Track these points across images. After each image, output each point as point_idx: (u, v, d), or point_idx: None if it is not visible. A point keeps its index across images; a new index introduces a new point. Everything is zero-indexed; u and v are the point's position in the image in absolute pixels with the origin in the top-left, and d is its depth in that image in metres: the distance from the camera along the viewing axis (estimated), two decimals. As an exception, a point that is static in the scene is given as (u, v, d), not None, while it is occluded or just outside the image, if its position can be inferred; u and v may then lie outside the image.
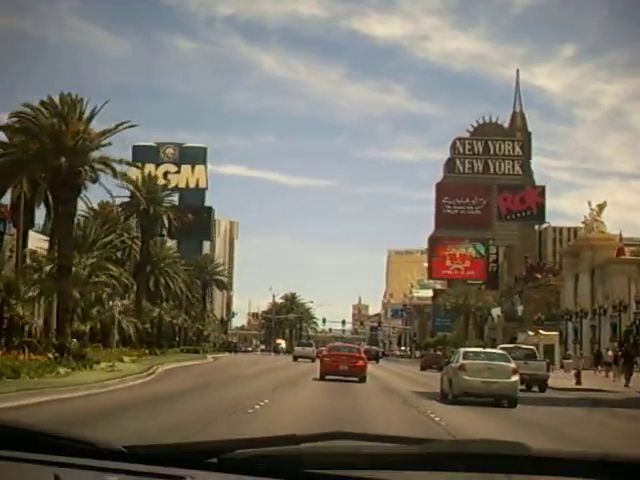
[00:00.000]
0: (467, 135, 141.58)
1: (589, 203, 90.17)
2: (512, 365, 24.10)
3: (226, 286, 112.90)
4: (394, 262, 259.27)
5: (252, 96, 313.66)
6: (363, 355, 37.50)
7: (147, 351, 56.41)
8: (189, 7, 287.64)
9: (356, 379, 33.28)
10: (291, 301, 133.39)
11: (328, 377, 33.52)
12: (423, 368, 64.06)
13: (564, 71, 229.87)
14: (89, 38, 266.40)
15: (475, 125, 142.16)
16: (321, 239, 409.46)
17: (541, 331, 67.82)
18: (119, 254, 70.52)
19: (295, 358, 67.23)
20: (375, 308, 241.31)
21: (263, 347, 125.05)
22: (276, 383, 30.51)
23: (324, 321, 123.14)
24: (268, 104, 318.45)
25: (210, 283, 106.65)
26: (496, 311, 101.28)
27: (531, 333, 65.89)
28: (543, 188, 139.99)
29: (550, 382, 37.35)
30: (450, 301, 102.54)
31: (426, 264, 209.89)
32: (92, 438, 2.20)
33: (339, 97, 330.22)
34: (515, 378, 23.71)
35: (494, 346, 45.05)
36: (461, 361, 23.76)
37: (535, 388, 35.28)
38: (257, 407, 18.91)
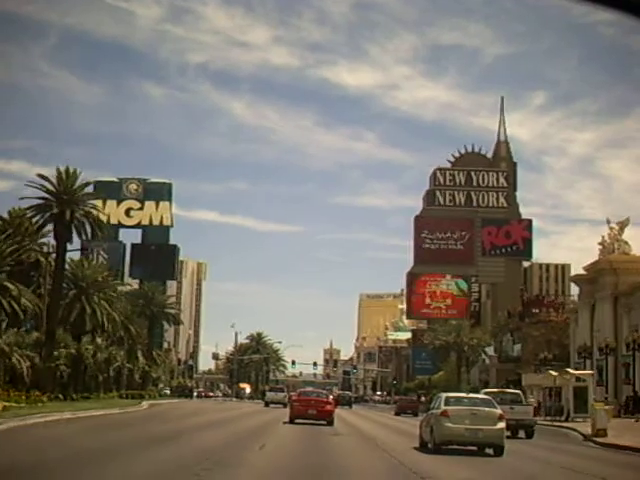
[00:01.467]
0: (448, 165, 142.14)
1: (608, 221, 79.62)
2: (498, 411, 23.94)
3: (177, 320, 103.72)
4: (366, 306, 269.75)
5: (224, 142, 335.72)
6: (331, 400, 41.66)
7: (60, 395, 50.65)
8: (160, 55, 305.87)
9: (324, 422, 37.21)
10: (257, 341, 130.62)
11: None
12: (397, 413, 67.94)
13: (534, 119, 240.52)
14: (60, 84, 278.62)
15: (457, 155, 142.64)
16: (292, 285, 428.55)
17: (570, 370, 61.41)
18: (33, 272, 61.48)
19: (267, 404, 70.85)
20: (347, 352, 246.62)
21: (224, 392, 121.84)
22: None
23: (293, 363, 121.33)
24: (240, 150, 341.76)
25: (158, 317, 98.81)
26: (488, 350, 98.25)
27: (553, 373, 58.12)
28: (530, 222, 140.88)
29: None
30: (439, 338, 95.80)
31: (401, 306, 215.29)
32: None
33: (310, 144, 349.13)
34: (502, 425, 23.51)
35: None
36: (443, 407, 23.48)
37: (521, 434, 35.48)
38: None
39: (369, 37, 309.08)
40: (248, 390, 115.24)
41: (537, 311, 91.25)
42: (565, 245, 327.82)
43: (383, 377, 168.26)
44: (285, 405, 64.28)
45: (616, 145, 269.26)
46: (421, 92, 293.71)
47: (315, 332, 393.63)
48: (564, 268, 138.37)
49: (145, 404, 60.59)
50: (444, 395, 25.47)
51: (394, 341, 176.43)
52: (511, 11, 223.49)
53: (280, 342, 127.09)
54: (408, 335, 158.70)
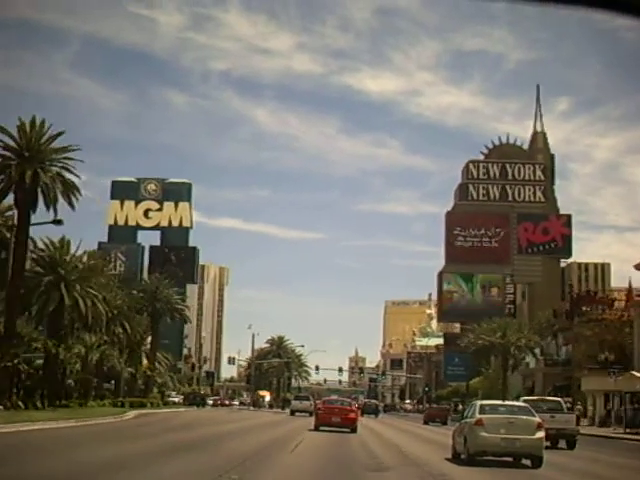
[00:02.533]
0: (481, 157, 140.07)
1: None
2: (536, 419, 23.52)
3: (185, 318, 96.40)
4: (391, 313, 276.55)
5: (246, 149, 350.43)
6: (355, 408, 45.63)
7: (20, 403, 44.52)
8: (183, 62, 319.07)
9: (348, 430, 40.00)
10: (278, 345, 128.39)
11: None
12: (426, 422, 69.79)
13: (558, 125, 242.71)
14: (83, 92, 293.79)
15: (490, 146, 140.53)
16: (315, 292, 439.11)
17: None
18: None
19: (292, 412, 72.47)
20: (372, 360, 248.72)
21: (243, 400, 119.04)
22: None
23: (317, 369, 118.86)
24: (262, 158, 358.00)
25: (162, 314, 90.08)
26: (537, 352, 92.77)
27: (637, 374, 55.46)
28: (569, 217, 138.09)
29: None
30: (482, 338, 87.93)
31: (429, 311, 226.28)
32: None
33: (333, 151, 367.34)
34: (540, 434, 23.08)
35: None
36: (477, 415, 23.11)
37: (562, 444, 35.13)
38: None
39: (392, 44, 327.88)
40: (268, 398, 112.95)
41: (587, 309, 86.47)
42: (591, 252, 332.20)
43: (412, 384, 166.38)
44: (311, 414, 64.32)
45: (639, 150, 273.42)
46: (444, 98, 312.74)
47: (339, 340, 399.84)
48: (604, 268, 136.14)
49: (132, 414, 53.62)
50: (478, 403, 25.28)
51: (421, 347, 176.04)
52: (533, 17, 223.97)
53: (302, 346, 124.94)
54: (437, 341, 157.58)
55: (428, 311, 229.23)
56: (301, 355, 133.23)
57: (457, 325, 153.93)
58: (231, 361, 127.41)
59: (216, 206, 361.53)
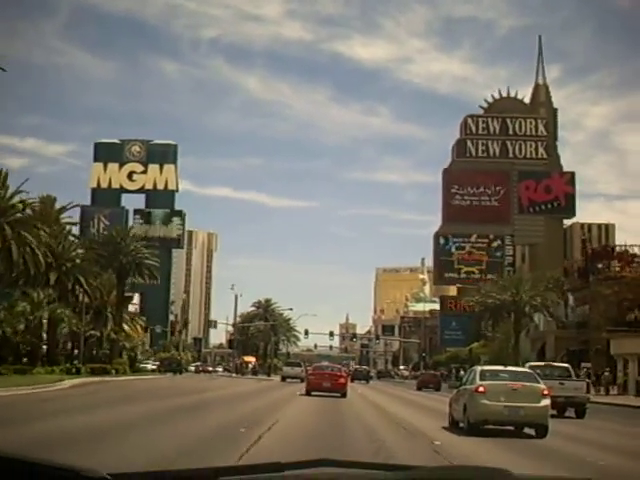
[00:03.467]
0: (480, 112, 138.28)
1: None
2: (542, 386, 23.04)
3: (154, 275, 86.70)
4: (383, 280, 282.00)
5: (237, 118, 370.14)
6: (344, 374, 47.64)
7: None
8: (173, 29, 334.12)
9: (338, 394, 42.03)
10: (265, 308, 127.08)
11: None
12: (419, 388, 71.95)
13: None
14: (74, 60, 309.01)
15: (490, 100, 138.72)
16: (307, 260, 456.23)
17: None
18: None
19: (283, 378, 74.74)
20: (364, 326, 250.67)
21: (225, 366, 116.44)
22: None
23: (306, 333, 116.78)
24: (253, 126, 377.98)
25: (130, 269, 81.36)
26: (538, 315, 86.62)
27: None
28: (572, 175, 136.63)
29: None
30: (491, 296, 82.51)
31: (422, 276, 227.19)
32: (74, 465, 2.23)
33: (324, 119, 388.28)
34: (546, 402, 22.67)
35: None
36: (478, 382, 22.54)
37: (569, 413, 34.40)
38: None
39: (382, 10, 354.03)
40: (253, 363, 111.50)
41: (604, 267, 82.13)
42: (580, 221, 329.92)
43: (406, 350, 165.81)
44: (302, 380, 67.49)
45: (632, 119, 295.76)
46: (435, 65, 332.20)
47: (330, 306, 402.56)
48: (608, 228, 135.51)
49: (72, 382, 47.78)
50: (479, 368, 24.74)
51: (415, 312, 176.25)
52: None
53: (291, 309, 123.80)
54: (430, 306, 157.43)
55: (421, 276, 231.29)
56: (289, 319, 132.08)
57: (453, 288, 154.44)
58: (212, 324, 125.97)
59: (207, 175, 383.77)
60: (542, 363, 43.26)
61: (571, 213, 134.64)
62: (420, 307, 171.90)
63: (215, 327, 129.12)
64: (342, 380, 44.61)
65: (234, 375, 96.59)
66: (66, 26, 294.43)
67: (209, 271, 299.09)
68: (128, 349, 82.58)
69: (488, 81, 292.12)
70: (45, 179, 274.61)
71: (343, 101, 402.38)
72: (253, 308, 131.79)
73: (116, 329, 78.48)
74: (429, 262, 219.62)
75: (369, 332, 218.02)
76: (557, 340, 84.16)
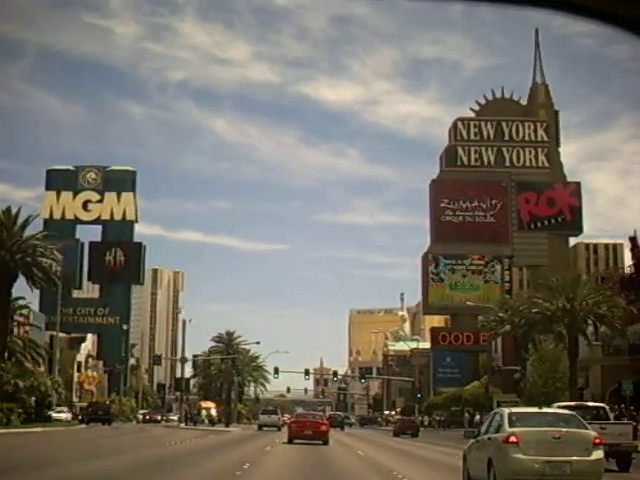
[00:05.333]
0: (471, 115, 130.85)
1: None
2: (592, 433, 20.20)
3: (51, 280, 70.18)
4: (357, 322, 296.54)
5: (206, 161, 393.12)
6: (325, 422, 49.84)
7: None
8: (140, 72, 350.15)
9: (320, 442, 45.05)
10: (227, 343, 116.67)
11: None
12: (396, 434, 74.99)
13: None
14: (40, 104, 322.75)
15: (482, 102, 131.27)
16: (277, 304, 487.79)
17: None
18: None
19: (260, 427, 76.67)
20: (340, 370, 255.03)
21: (188, 414, 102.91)
22: None
23: (277, 372, 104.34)
24: (222, 169, 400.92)
25: (12, 270, 65.13)
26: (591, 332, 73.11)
27: None
28: (578, 185, 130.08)
29: None
30: (539, 305, 67.61)
31: (402, 312, 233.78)
32: None
33: (292, 161, 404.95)
34: (598, 454, 19.57)
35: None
36: (508, 429, 19.60)
37: (609, 464, 28.28)
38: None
39: (349, 52, 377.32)
40: (214, 411, 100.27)
41: None
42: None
43: (391, 392, 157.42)
44: (279, 428, 74.18)
45: (599, 158, 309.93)
46: (402, 107, 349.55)
47: (303, 350, 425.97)
48: (616, 248, 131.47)
49: None
50: (506, 411, 21.43)
51: (395, 352, 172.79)
52: (490, 23, 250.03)
53: (258, 343, 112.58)
54: (412, 344, 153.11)
55: (400, 313, 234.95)
56: (257, 357, 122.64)
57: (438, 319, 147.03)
58: (156, 361, 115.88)
59: (177, 219, 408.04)
60: (572, 403, 38.39)
61: (578, 229, 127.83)
62: (400, 346, 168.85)
63: (159, 364, 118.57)
64: (324, 428, 47.33)
65: (182, 425, 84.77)
66: (32, 69, 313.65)
67: (175, 313, 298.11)
68: (24, 389, 67.31)
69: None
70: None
71: (311, 143, 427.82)
72: (213, 343, 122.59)
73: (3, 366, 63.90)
74: (408, 298, 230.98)
75: (344, 376, 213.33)
76: (605, 370, 71.94)
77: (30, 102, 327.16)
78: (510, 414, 20.73)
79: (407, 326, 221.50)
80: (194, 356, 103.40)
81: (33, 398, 68.36)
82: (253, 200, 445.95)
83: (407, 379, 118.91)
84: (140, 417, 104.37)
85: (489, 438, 20.54)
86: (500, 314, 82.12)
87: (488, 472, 19.75)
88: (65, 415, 79.94)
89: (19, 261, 65.61)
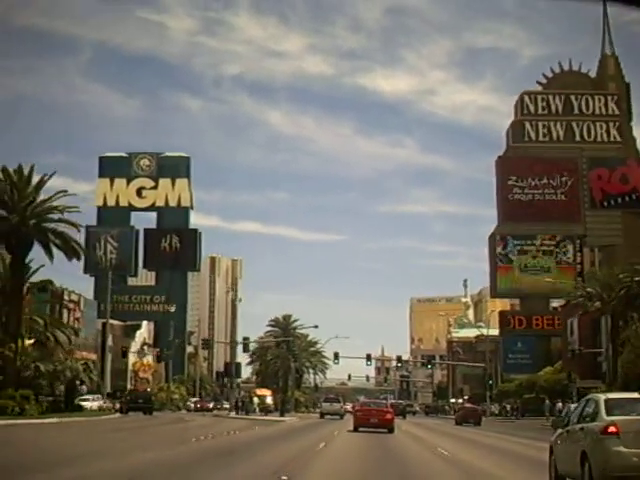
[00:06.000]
0: (539, 89, 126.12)
1: None
2: None
3: (72, 249, 59.72)
4: (417, 311, 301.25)
5: (262, 153, 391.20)
6: (390, 410, 50.69)
7: None
8: (195, 67, 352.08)
9: (385, 430, 45.58)
10: (284, 329, 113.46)
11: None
12: (458, 423, 75.18)
13: None
14: (96, 99, 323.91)
15: (549, 76, 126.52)
16: (338, 294, 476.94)
17: None
18: None
19: (322, 415, 78.90)
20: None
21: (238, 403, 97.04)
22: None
23: (337, 357, 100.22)
24: (279, 160, 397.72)
25: (30, 239, 58.26)
26: None
27: None
28: None
29: None
30: None
31: (465, 299, 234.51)
32: None
33: (350, 152, 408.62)
34: None
35: None
36: (606, 418, 17.47)
37: None
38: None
39: (404, 43, 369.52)
40: (269, 399, 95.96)
41: None
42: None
43: (460, 378, 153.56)
44: (342, 416, 76.81)
45: None
46: (458, 97, 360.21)
47: (363, 340, 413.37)
48: None
49: None
50: (602, 397, 19.31)
51: (459, 339, 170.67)
52: (545, 12, 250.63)
53: (316, 327, 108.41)
54: (476, 331, 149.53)
55: (464, 299, 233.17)
56: (316, 343, 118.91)
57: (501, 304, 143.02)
58: (205, 345, 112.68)
59: (235, 210, 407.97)
60: None
61: None
62: (465, 332, 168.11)
63: (208, 348, 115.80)
64: (389, 416, 48.24)
65: (231, 414, 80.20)
66: (89, 65, 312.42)
67: (234, 302, 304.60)
68: (46, 375, 59.92)
69: (511, 110, 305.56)
70: (76, 217, 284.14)
71: (368, 134, 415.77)
72: (269, 328, 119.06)
73: (10, 345, 56.18)
74: (470, 286, 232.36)
75: (408, 360, 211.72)
76: None
77: (87, 97, 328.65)
78: (607, 400, 18.90)
79: (471, 313, 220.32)
80: (244, 339, 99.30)
81: (61, 385, 63.81)
82: (311, 191, 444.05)
83: (477, 364, 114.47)
84: (192, 406, 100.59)
85: (582, 428, 18.70)
86: (589, 289, 76.42)
87: (582, 467, 17.94)
88: (96, 404, 75.08)
89: (33, 227, 58.36)
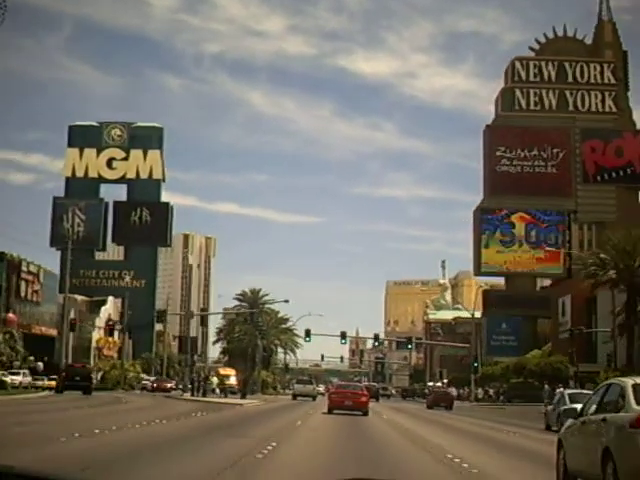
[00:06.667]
0: (531, 55, 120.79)
1: None
2: None
3: None
4: (393, 293, 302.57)
5: (242, 133, 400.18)
6: (365, 393, 51.35)
7: None
8: (176, 45, 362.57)
9: (360, 413, 46.43)
10: (252, 303, 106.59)
11: None
12: (430, 407, 74.66)
13: None
14: (77, 76, 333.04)
15: (542, 41, 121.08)
16: (313, 276, 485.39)
17: None
18: None
19: (295, 396, 79.18)
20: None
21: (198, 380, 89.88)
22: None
23: (308, 334, 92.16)
24: (258, 141, 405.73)
25: None
26: None
27: None
28: None
29: None
30: None
31: (443, 281, 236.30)
32: None
33: (329, 134, 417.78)
34: None
35: None
36: (636, 407, 14.43)
37: None
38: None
39: (385, 25, 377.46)
40: (233, 379, 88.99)
41: None
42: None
43: (440, 360, 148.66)
44: (314, 398, 77.81)
45: None
46: (439, 80, 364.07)
47: (338, 322, 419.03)
48: None
49: None
50: (630, 382, 15.68)
51: (436, 321, 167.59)
52: None
53: (287, 301, 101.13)
54: (453, 313, 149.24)
55: (442, 281, 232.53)
56: (287, 320, 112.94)
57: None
58: (159, 317, 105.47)
59: (212, 191, 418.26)
60: None
61: None
62: (442, 314, 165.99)
63: (162, 321, 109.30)
64: (364, 399, 48.34)
65: (186, 395, 72.88)
66: (70, 41, 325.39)
67: (207, 279, 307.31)
68: None
69: (492, 95, 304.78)
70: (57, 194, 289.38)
71: (347, 116, 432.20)
72: (236, 302, 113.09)
73: None
74: (448, 269, 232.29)
75: (381, 344, 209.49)
76: None
77: (67, 74, 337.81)
78: (637, 386, 15.83)
79: (448, 294, 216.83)
80: (202, 309, 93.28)
81: None
82: (289, 172, 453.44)
83: (461, 345, 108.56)
84: (148, 385, 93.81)
85: (604, 419, 15.76)
86: (602, 255, 68.74)
87: (603, 466, 15.15)
88: (22, 379, 69.34)
89: None
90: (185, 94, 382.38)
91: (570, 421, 18.09)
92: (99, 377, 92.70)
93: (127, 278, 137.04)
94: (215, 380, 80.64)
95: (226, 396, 72.97)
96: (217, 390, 76.88)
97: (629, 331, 63.52)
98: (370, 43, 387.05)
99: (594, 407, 16.92)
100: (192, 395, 71.98)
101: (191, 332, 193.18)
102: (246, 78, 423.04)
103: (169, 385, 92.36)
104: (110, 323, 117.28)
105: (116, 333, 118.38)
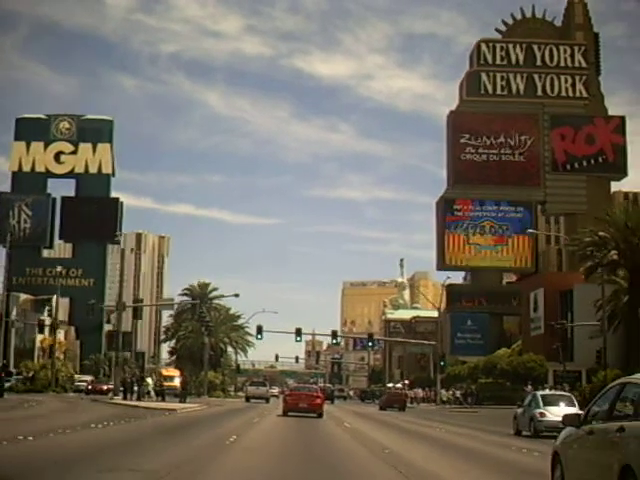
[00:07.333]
0: (498, 37, 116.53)
1: None
2: None
3: None
4: (349, 294, 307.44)
5: (198, 134, 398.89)
6: (320, 394, 53.08)
7: None
8: (132, 45, 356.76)
9: (314, 415, 47.47)
10: (201, 298, 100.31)
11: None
12: (382, 408, 76.04)
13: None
14: (33, 76, 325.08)
15: (509, 22, 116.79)
16: (269, 278, 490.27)
17: None
18: None
19: (248, 399, 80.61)
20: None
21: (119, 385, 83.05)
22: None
23: (260, 332, 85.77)
24: (214, 142, 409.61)
25: None
26: None
27: None
28: (622, 120, 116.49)
29: None
30: None
31: (401, 279, 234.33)
32: None
33: (285, 135, 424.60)
34: None
35: None
36: None
37: None
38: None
39: (342, 26, 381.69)
40: (177, 381, 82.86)
41: None
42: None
43: (398, 361, 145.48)
44: (267, 400, 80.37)
45: None
46: (396, 82, 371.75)
47: (293, 323, 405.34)
48: None
49: None
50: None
51: (394, 321, 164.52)
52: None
53: (237, 295, 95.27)
54: (412, 313, 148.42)
55: (400, 280, 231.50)
56: (238, 317, 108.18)
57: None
58: (90, 310, 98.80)
59: (168, 192, 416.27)
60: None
61: (621, 171, 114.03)
62: (400, 314, 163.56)
63: (91, 315, 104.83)
64: (318, 401, 49.42)
65: (115, 399, 66.51)
66: (26, 41, 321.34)
67: (160, 279, 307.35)
68: None
69: (448, 98, 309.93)
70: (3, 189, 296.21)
71: (304, 117, 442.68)
72: (184, 297, 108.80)
73: None
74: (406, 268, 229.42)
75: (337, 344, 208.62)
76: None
77: (22, 74, 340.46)
78: None
79: (407, 294, 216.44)
80: (135, 301, 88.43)
81: None
82: (246, 174, 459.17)
83: (427, 342, 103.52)
84: (83, 387, 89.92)
85: (621, 429, 12.37)
86: (601, 232, 62.19)
87: None
88: None
89: None
90: (141, 94, 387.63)
91: (568, 430, 15.40)
92: (30, 378, 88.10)
93: (76, 277, 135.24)
94: (150, 381, 74.38)
95: (164, 399, 66.92)
96: (152, 393, 70.64)
97: (630, 323, 58.05)
98: (327, 44, 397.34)
99: (604, 412, 14.15)
100: (124, 398, 65.65)
101: (145, 333, 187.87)
102: (203, 78, 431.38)
103: (105, 387, 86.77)
104: (55, 323, 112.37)
105: (62, 333, 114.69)
